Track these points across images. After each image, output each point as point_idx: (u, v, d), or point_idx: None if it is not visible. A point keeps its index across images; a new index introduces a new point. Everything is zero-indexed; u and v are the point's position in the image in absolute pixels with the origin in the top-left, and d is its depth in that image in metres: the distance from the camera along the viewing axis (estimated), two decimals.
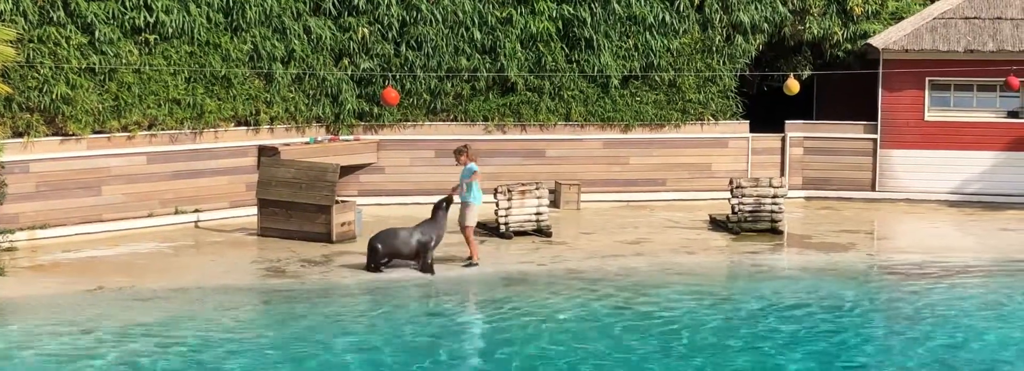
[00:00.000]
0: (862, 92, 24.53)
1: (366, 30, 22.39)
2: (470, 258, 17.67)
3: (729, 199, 20.44)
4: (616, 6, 23.16)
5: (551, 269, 17.56)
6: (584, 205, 22.80)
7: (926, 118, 23.68)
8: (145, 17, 19.79)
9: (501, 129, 23.38)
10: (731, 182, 20.40)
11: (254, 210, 20.03)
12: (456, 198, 17.57)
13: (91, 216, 19.61)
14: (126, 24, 19.67)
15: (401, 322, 14.59)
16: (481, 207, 17.95)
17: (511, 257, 18.31)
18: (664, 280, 17.05)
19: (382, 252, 17.05)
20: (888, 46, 23.22)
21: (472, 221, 17.69)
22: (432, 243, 17.14)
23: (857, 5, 24.20)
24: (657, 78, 23.59)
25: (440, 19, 22.63)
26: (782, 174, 23.68)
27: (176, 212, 20.59)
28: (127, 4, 19.66)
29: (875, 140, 23.80)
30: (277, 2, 21.36)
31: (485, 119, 23.31)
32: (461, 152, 17.75)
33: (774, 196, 20.23)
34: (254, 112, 21.54)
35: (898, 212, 22.89)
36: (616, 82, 23.46)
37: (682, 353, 13.40)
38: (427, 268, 17.03)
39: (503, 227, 19.67)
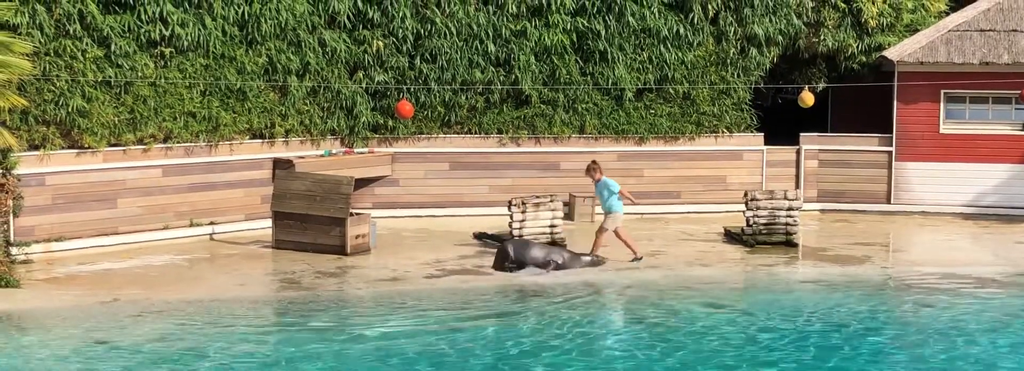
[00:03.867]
0: (877, 104, 24.49)
1: (381, 43, 22.43)
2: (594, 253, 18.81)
3: (744, 212, 20.41)
4: (630, 19, 23.18)
5: (566, 282, 17.54)
6: (598, 218, 22.76)
7: (941, 131, 23.63)
8: (161, 30, 19.85)
9: (515, 142, 23.39)
10: (746, 195, 20.38)
11: (269, 223, 20.06)
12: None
13: (107, 229, 19.65)
14: (142, 37, 19.73)
15: (412, 336, 14.59)
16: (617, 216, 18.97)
17: (526, 270, 18.27)
18: (679, 293, 17.02)
19: (514, 258, 17.96)
20: (903, 58, 23.19)
21: (610, 225, 18.78)
22: (557, 258, 18.26)
23: (872, 17, 24.18)
24: (671, 91, 23.59)
25: (454, 32, 22.66)
26: (797, 187, 23.63)
27: (191, 225, 20.63)
28: (143, 17, 19.72)
29: (890, 153, 23.75)
30: (292, 15, 21.42)
31: (499, 132, 23.33)
32: (594, 169, 19.02)
33: (789, 209, 20.19)
34: (269, 125, 21.58)
35: (913, 225, 22.83)
36: (630, 95, 23.46)
37: (697, 367, 13.36)
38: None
39: None
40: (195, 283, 17.25)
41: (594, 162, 19.41)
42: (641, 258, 18.84)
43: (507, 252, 18.04)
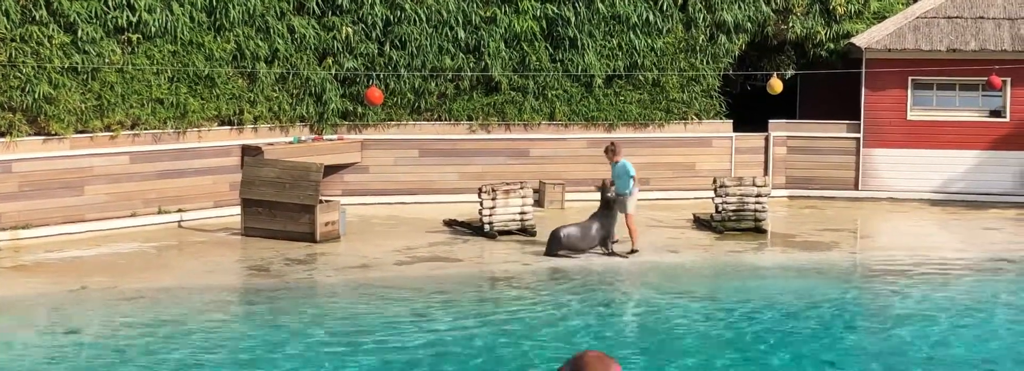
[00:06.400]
0: (845, 91, 24.60)
1: (350, 29, 22.36)
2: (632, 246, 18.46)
3: (713, 198, 20.47)
4: (600, 5, 23.19)
5: (535, 268, 17.56)
6: (568, 204, 22.80)
7: (909, 117, 23.76)
8: (128, 16, 19.74)
9: (485, 128, 23.38)
10: (715, 181, 20.44)
11: (238, 210, 19.98)
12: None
13: (74, 216, 19.54)
14: (109, 23, 19.62)
15: (372, 325, 14.59)
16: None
17: (496, 256, 18.32)
18: (648, 279, 17.07)
19: (564, 244, 17.95)
20: (871, 45, 23.29)
21: (632, 209, 18.34)
22: (611, 230, 18.09)
23: (840, 5, 24.26)
24: (641, 77, 23.63)
25: (424, 18, 22.62)
26: (766, 173, 23.71)
27: (159, 212, 20.54)
28: (110, 3, 19.60)
29: (858, 139, 23.87)
30: (261, 1, 21.32)
31: (469, 118, 23.31)
32: (611, 150, 18.47)
33: (758, 195, 20.27)
34: (238, 111, 21.49)
35: (881, 211, 22.96)
36: (600, 81, 23.48)
37: (663, 353, 13.41)
38: (612, 254, 18.09)
39: (487, 226, 19.67)
40: (163, 271, 17.18)
41: (612, 143, 18.78)
42: (636, 251, 18.33)
43: (560, 239, 18.00)
